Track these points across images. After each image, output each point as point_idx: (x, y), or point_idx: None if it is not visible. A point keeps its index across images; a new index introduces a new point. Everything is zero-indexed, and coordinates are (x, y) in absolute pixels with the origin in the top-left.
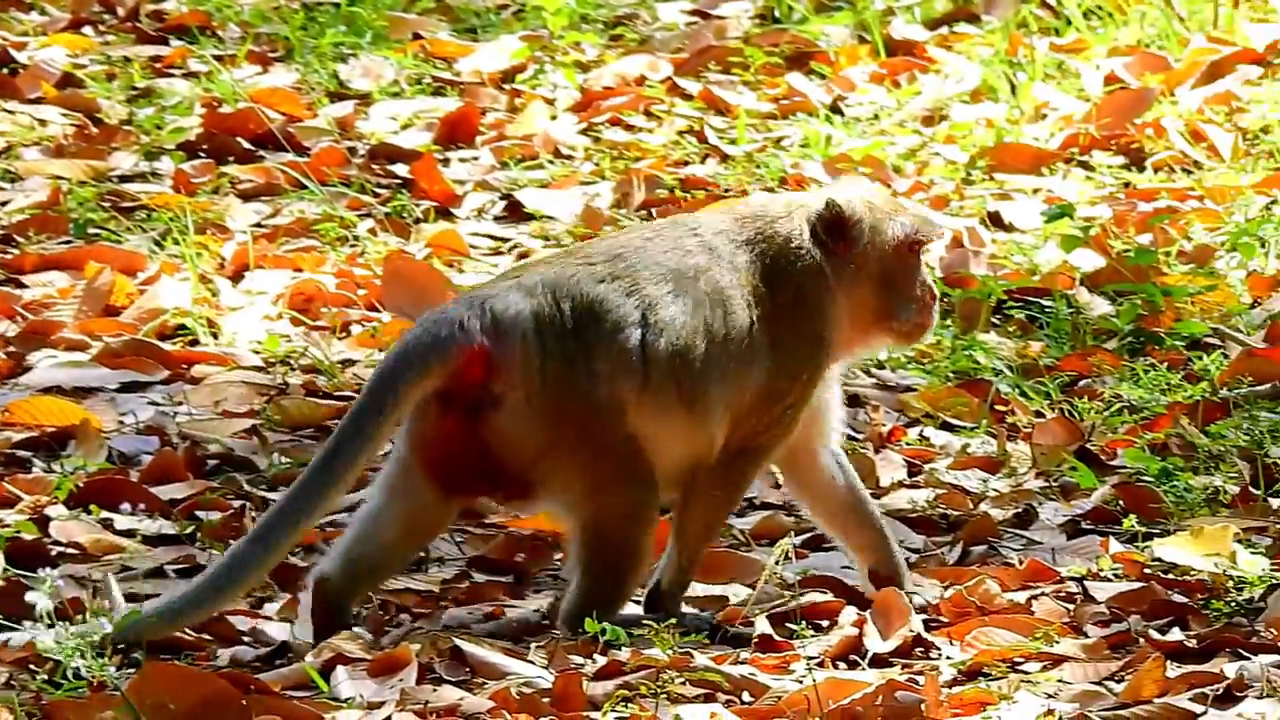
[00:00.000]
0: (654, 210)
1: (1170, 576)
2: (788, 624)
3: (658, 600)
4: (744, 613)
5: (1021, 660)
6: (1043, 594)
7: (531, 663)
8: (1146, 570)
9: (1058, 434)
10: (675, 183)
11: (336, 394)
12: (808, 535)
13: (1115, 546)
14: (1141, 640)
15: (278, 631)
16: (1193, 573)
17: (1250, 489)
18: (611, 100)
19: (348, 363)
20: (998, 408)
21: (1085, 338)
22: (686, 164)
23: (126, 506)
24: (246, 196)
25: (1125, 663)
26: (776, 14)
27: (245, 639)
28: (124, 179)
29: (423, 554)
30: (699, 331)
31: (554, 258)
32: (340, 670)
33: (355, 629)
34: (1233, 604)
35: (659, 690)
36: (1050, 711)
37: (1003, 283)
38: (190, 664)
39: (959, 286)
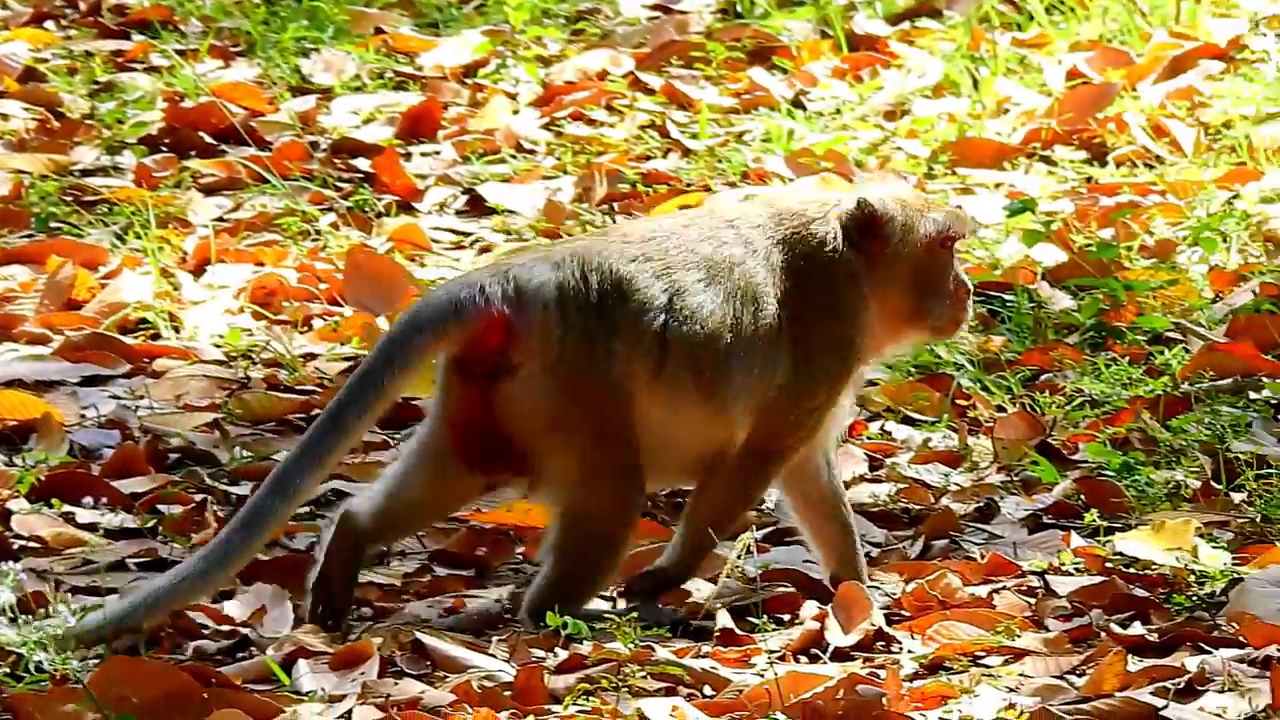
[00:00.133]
0: (615, 205)
1: (1132, 571)
2: (749, 618)
3: (645, 579)
4: (706, 606)
5: (983, 654)
6: (1004, 588)
7: (493, 656)
8: (1108, 564)
9: (1019, 428)
10: (637, 177)
11: (298, 388)
12: (769, 529)
13: (1076, 541)
14: (1103, 634)
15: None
16: (1154, 567)
17: (1212, 483)
18: (573, 95)
19: (309, 357)
20: (959, 402)
21: (1047, 332)
22: (648, 159)
23: (88, 500)
24: (208, 191)
25: (1086, 657)
26: (738, 9)
27: (205, 632)
28: (86, 173)
29: (384, 547)
30: (725, 324)
31: (589, 235)
32: (302, 663)
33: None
34: (1194, 598)
35: (621, 683)
36: (1011, 705)
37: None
38: (152, 657)
39: None
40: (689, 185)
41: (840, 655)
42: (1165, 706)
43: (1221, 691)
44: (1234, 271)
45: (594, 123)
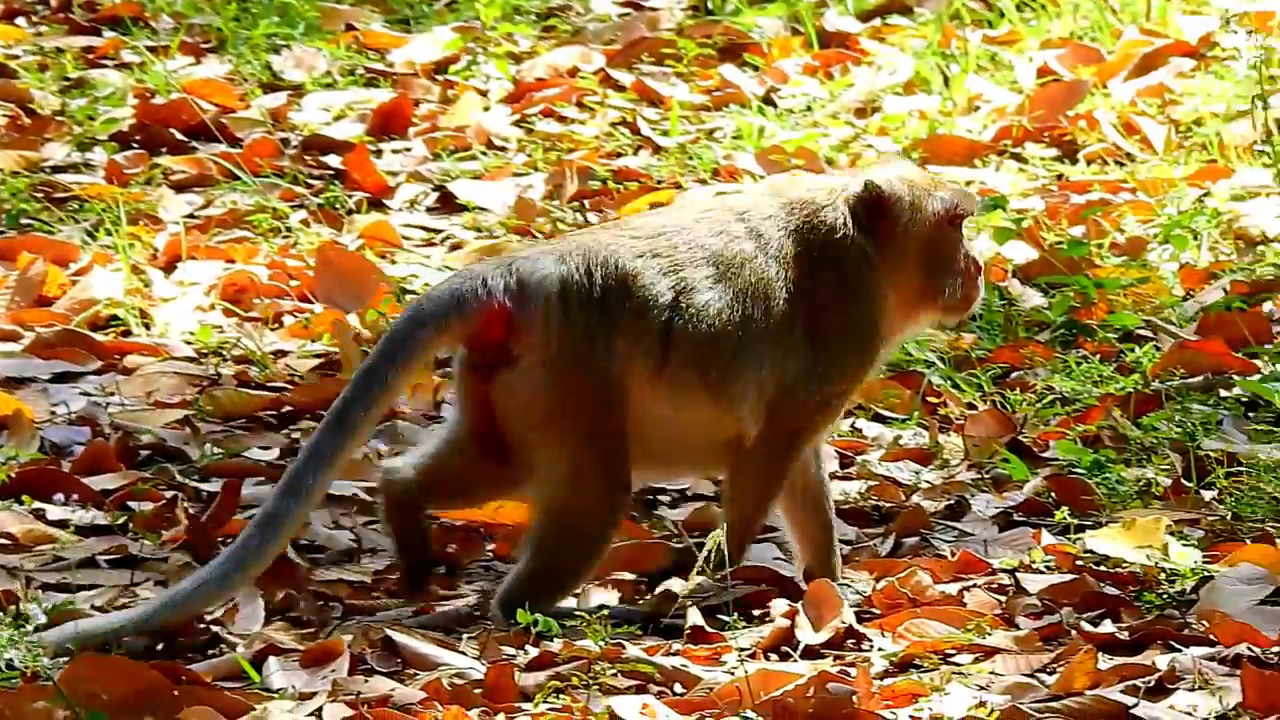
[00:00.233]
0: (586, 202)
1: (1102, 568)
2: (720, 615)
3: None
4: (676, 604)
5: (953, 652)
6: (974, 586)
7: (463, 654)
8: (1078, 562)
9: (990, 426)
10: (608, 174)
11: (269, 385)
12: None
13: (1047, 538)
14: (1073, 632)
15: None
16: (1124, 565)
17: (1182, 481)
18: (544, 91)
19: (280, 354)
20: (930, 399)
21: (1018, 330)
22: (619, 155)
23: (59, 497)
24: (179, 187)
25: (1057, 655)
26: (709, 5)
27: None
28: (56, 169)
29: (355, 544)
30: (734, 322)
31: (599, 228)
32: (272, 661)
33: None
34: (1164, 596)
35: (591, 681)
36: (982, 703)
37: None
38: (122, 654)
39: None
40: (660, 182)
41: (811, 653)
42: (1136, 705)
43: (1192, 690)
44: (1205, 269)
45: (565, 120)
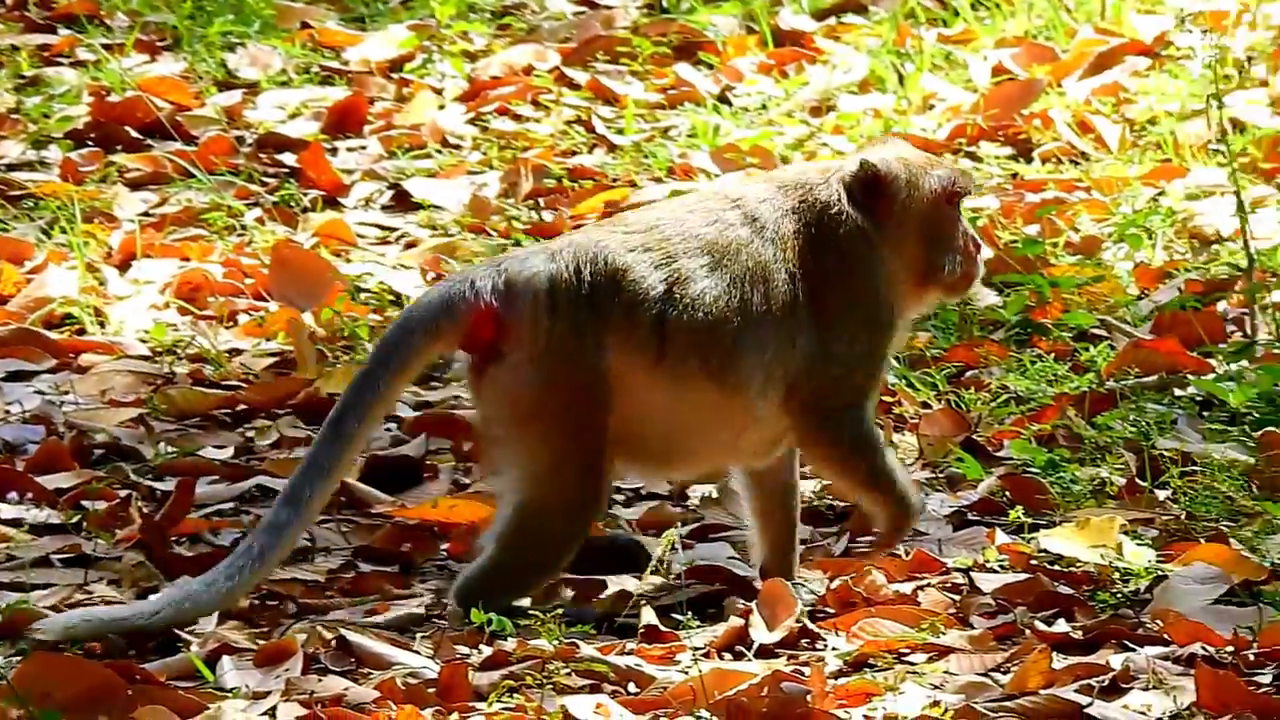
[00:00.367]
0: (541, 200)
1: (1056, 568)
2: (674, 614)
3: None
4: (630, 602)
5: (907, 651)
6: (929, 585)
7: (417, 653)
8: (1033, 561)
9: (944, 425)
10: (563, 172)
11: (223, 383)
12: (695, 525)
13: (1001, 538)
14: (1027, 631)
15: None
16: (1079, 564)
17: (1137, 480)
18: (499, 90)
19: (235, 352)
20: (884, 398)
21: (972, 328)
22: (574, 154)
23: (13, 495)
24: (134, 185)
25: (1011, 654)
26: (664, 4)
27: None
28: (11, 167)
29: (309, 543)
30: (732, 307)
31: (595, 225)
32: (226, 660)
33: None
34: (1119, 595)
35: (545, 680)
36: (936, 703)
37: None
38: (76, 653)
39: None
40: (615, 180)
41: (765, 652)
42: (1090, 704)
43: (1146, 689)
44: (1159, 268)
45: (520, 118)
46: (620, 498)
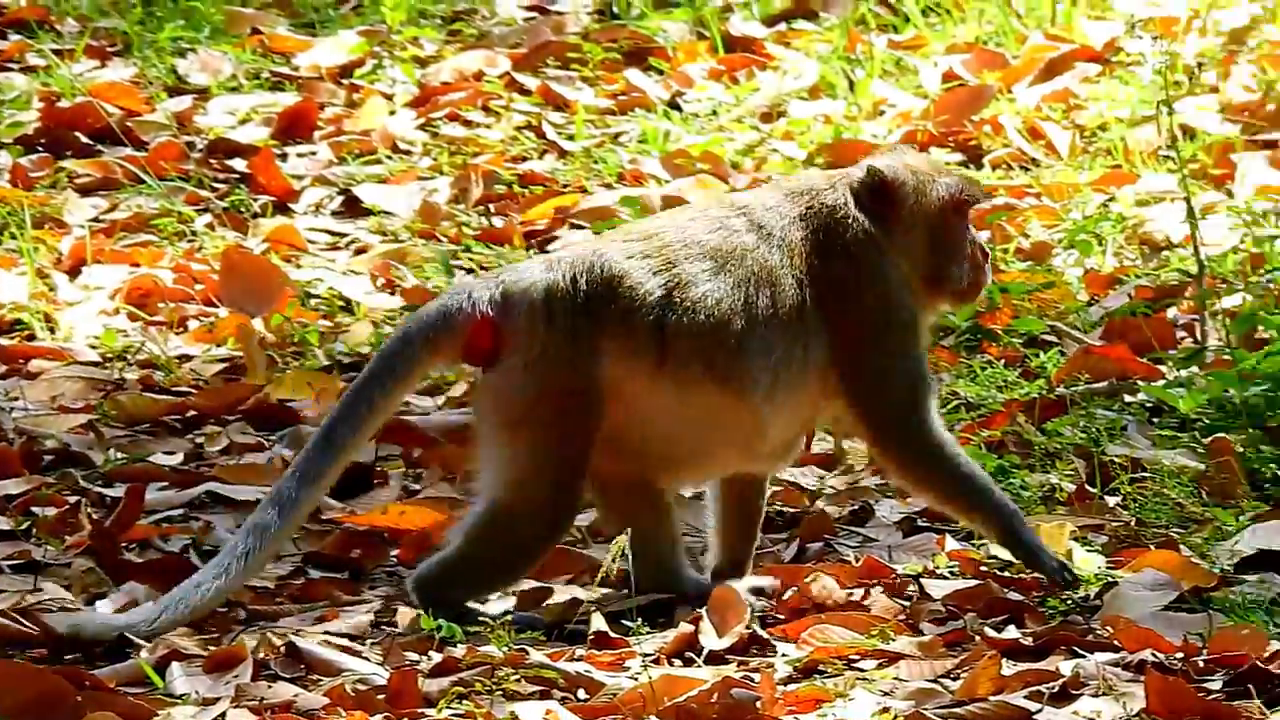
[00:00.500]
0: (491, 206)
1: (1006, 574)
2: (624, 621)
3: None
4: (580, 609)
5: (857, 658)
6: (879, 591)
7: (367, 659)
8: (982, 568)
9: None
10: (513, 178)
11: (173, 389)
12: None
13: (951, 544)
14: (977, 638)
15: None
16: (1028, 570)
17: (1086, 487)
18: (449, 95)
19: (185, 358)
20: None
21: None
22: (524, 160)
23: None
24: (84, 191)
25: (961, 660)
26: (615, 10)
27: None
28: None
29: None
30: (735, 311)
31: (599, 235)
32: (175, 666)
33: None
34: (1068, 602)
35: (494, 687)
36: (885, 709)
37: None
38: (24, 659)
39: None
40: (565, 186)
41: (715, 659)
42: (1040, 710)
43: (1096, 695)
44: (1109, 274)
45: (470, 123)
46: None
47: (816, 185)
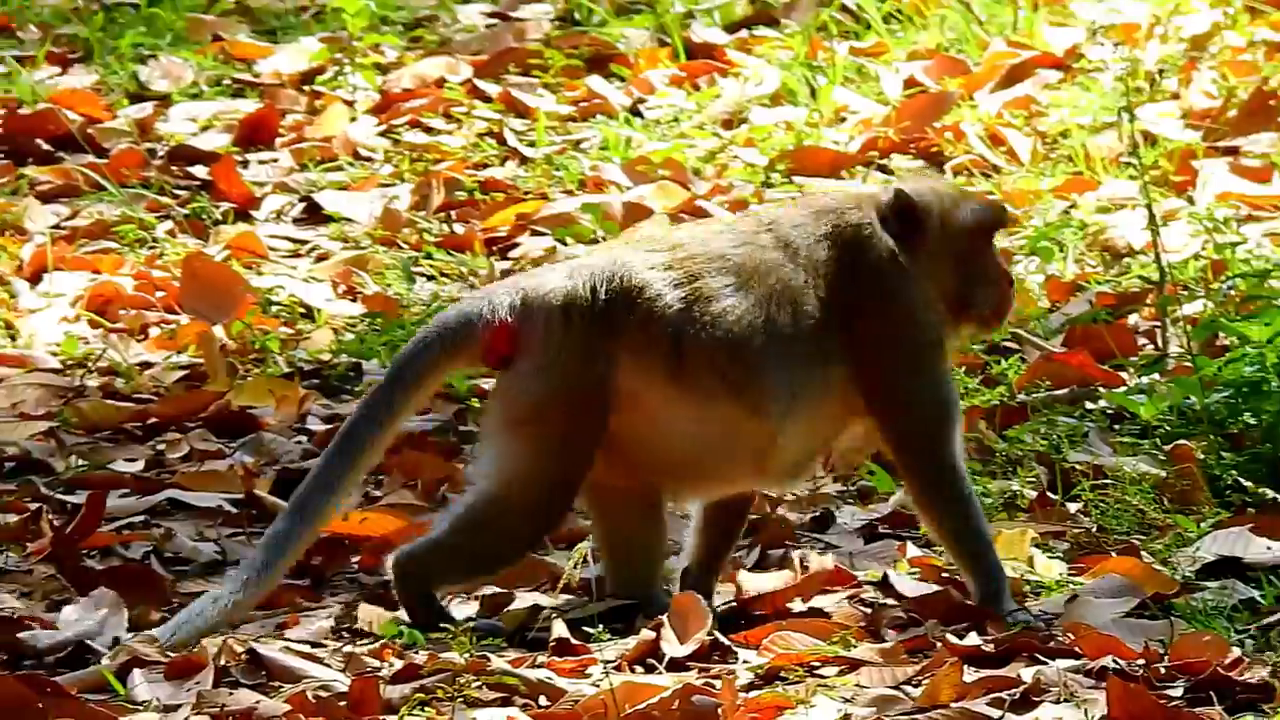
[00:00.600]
0: (453, 213)
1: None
2: (585, 628)
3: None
4: (541, 616)
5: (818, 664)
6: (840, 598)
7: (328, 666)
8: (944, 574)
9: (856, 437)
10: (474, 185)
11: (134, 396)
12: None
13: (912, 550)
14: (938, 644)
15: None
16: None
17: (1048, 493)
18: (411, 102)
19: (145, 365)
20: None
21: None
22: (486, 166)
23: None
24: (45, 198)
25: (922, 667)
26: (576, 16)
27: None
28: None
29: (219, 556)
30: (755, 325)
31: (622, 242)
32: (137, 673)
33: None
34: (1030, 608)
35: (456, 694)
36: (847, 716)
37: None
38: None
39: None
40: (526, 193)
41: (676, 665)
42: (1001, 717)
43: (1057, 702)
44: (1071, 281)
45: (431, 130)
46: None
47: (845, 206)
